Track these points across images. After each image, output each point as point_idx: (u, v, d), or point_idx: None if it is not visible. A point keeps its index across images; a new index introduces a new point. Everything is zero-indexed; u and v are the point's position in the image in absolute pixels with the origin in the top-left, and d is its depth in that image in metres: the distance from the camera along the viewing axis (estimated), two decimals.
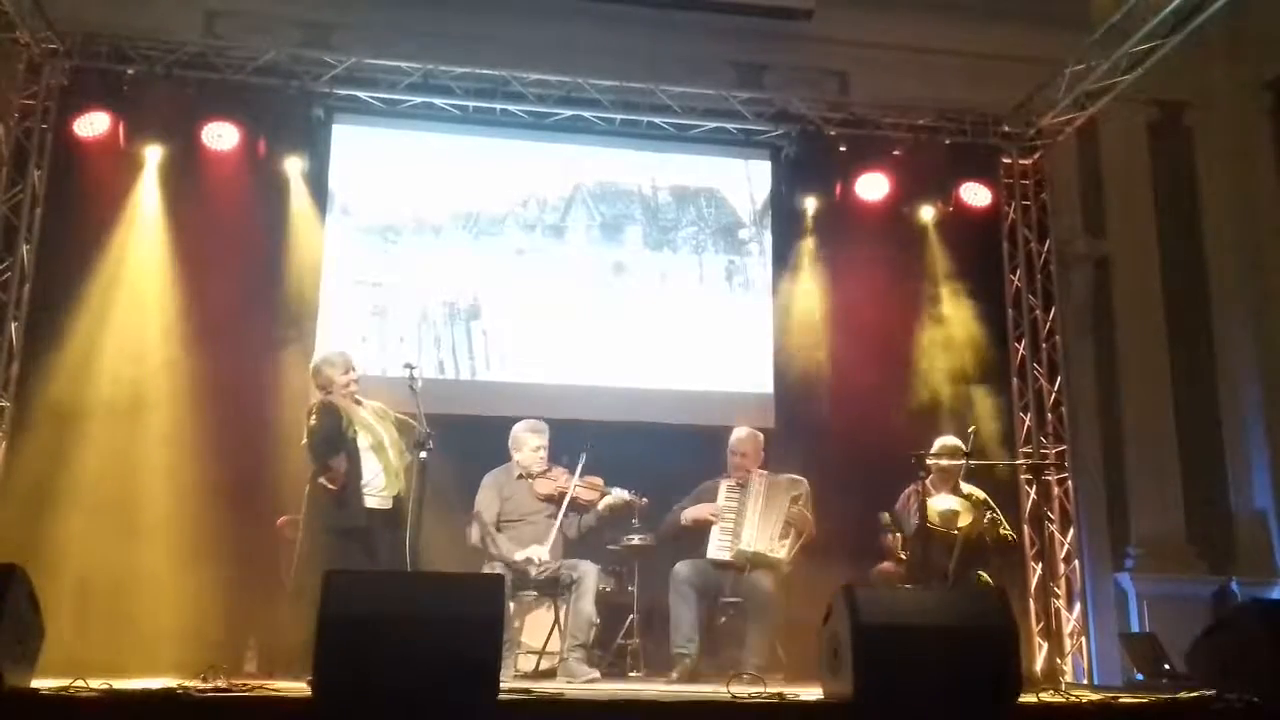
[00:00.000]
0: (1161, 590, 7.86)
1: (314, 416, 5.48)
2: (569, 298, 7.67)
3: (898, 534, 6.36)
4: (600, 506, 6.06)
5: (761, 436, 6.41)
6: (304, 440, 5.53)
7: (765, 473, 6.23)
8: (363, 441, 5.50)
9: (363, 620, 3.48)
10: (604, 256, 7.84)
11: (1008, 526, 6.45)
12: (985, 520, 6.20)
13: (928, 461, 6.10)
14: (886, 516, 6.40)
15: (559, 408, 6.81)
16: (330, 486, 5.43)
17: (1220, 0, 6.34)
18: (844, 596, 3.80)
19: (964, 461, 6.16)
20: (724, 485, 6.25)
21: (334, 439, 5.43)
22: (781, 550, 6.03)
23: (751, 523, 6.06)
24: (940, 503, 6.12)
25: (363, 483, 5.45)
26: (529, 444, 6.08)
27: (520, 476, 6.06)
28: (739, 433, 6.40)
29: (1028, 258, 8.09)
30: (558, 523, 5.94)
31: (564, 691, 4.61)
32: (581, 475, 6.01)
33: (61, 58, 7.06)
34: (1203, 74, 8.69)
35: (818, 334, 7.56)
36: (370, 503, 5.47)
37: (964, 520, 6.10)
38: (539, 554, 5.85)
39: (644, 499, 6.22)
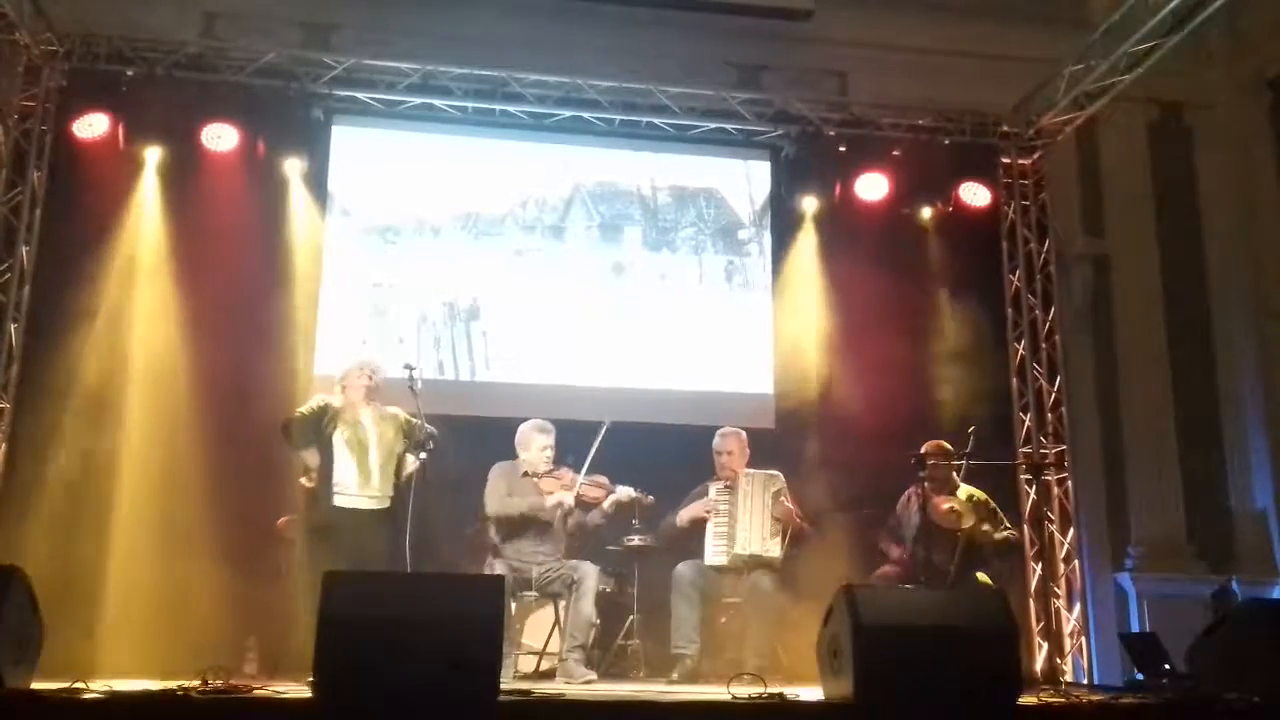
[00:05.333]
0: (1162, 590, 7.86)
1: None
2: (568, 298, 7.67)
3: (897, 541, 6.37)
4: (606, 504, 6.06)
5: (745, 434, 6.41)
6: None
7: (752, 472, 6.23)
8: (339, 438, 5.48)
9: (363, 621, 3.48)
10: (603, 257, 7.84)
11: (1009, 526, 6.46)
12: (984, 523, 6.20)
13: (928, 463, 6.11)
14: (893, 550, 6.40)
15: (559, 408, 6.79)
16: (307, 484, 5.45)
17: (1220, 0, 6.35)
18: (844, 597, 3.80)
19: (962, 462, 6.16)
20: (714, 488, 6.25)
21: (303, 431, 5.47)
22: (775, 548, 6.04)
23: (744, 524, 6.06)
24: (943, 503, 6.13)
25: (333, 481, 5.44)
26: (537, 443, 6.07)
27: (525, 474, 6.06)
28: (722, 433, 6.39)
29: (1027, 258, 8.09)
30: (570, 498, 5.95)
31: (564, 692, 4.62)
32: (587, 474, 6.00)
33: (61, 59, 7.06)
34: (1203, 74, 8.70)
35: (817, 334, 7.56)
36: (339, 501, 5.43)
37: (967, 520, 6.11)
38: (567, 499, 5.90)
39: (650, 498, 6.21)
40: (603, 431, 5.96)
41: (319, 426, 5.46)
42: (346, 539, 5.34)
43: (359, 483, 5.46)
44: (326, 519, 5.40)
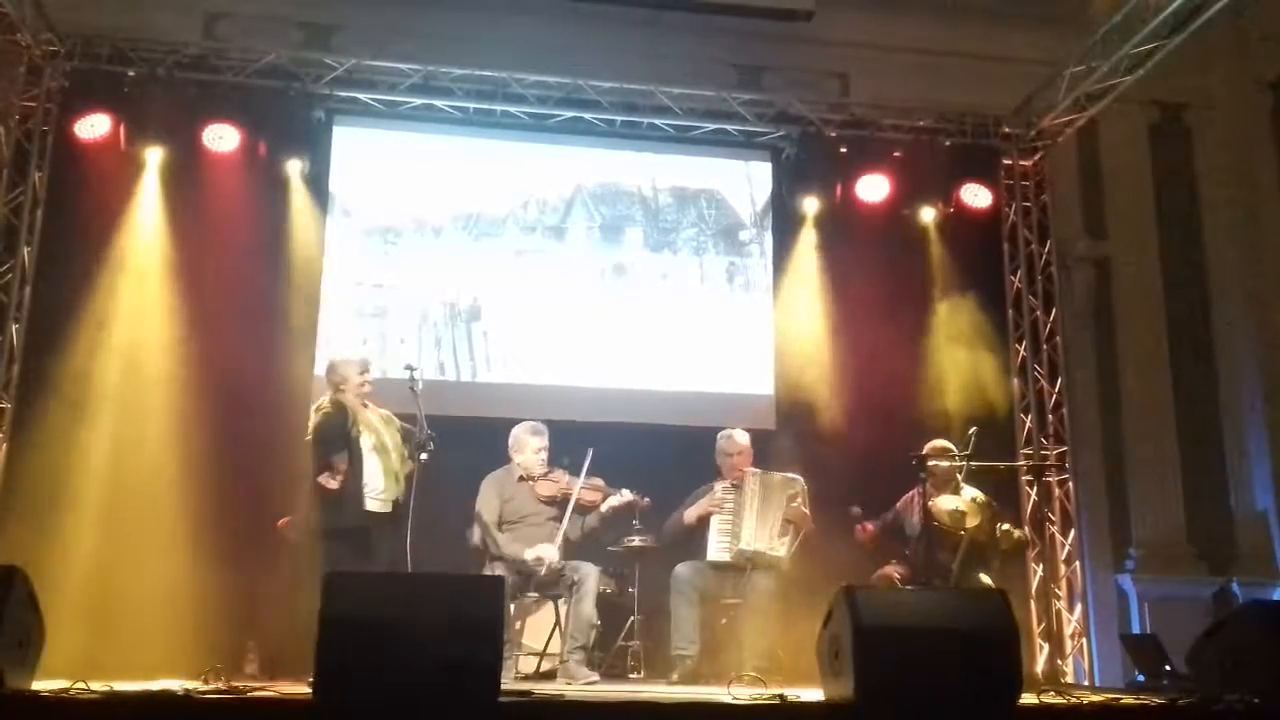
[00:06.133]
0: (1162, 591, 7.86)
1: (319, 413, 5.50)
2: (569, 299, 7.67)
3: (868, 526, 6.35)
4: (603, 508, 6.05)
5: (748, 436, 6.43)
6: (308, 436, 5.54)
7: (758, 471, 6.25)
8: (366, 442, 5.49)
9: (364, 622, 3.48)
10: (604, 258, 7.84)
11: (1016, 527, 6.46)
12: (992, 526, 6.21)
13: (929, 464, 6.11)
14: (856, 510, 6.37)
15: (559, 409, 6.81)
16: (330, 486, 5.39)
17: (1221, 1, 6.34)
18: (845, 598, 3.80)
19: (963, 463, 6.16)
20: (719, 487, 6.27)
21: (337, 436, 5.43)
22: (781, 548, 6.04)
23: (749, 523, 6.08)
24: (947, 503, 6.13)
25: (363, 484, 5.44)
26: (530, 446, 6.08)
27: (521, 479, 6.06)
28: (728, 434, 6.42)
29: (1028, 259, 8.09)
30: (564, 524, 5.92)
31: (564, 693, 4.62)
32: (585, 477, 6.00)
33: (62, 60, 7.07)
34: (1203, 75, 8.69)
35: (818, 335, 7.56)
36: (369, 505, 5.45)
37: (971, 520, 6.10)
38: (549, 554, 5.81)
39: (646, 500, 6.22)
40: (588, 460, 5.96)
41: (346, 430, 5.46)
42: (371, 541, 5.37)
43: (385, 486, 5.49)
44: (354, 522, 5.38)
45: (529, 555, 5.82)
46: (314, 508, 5.54)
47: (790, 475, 6.24)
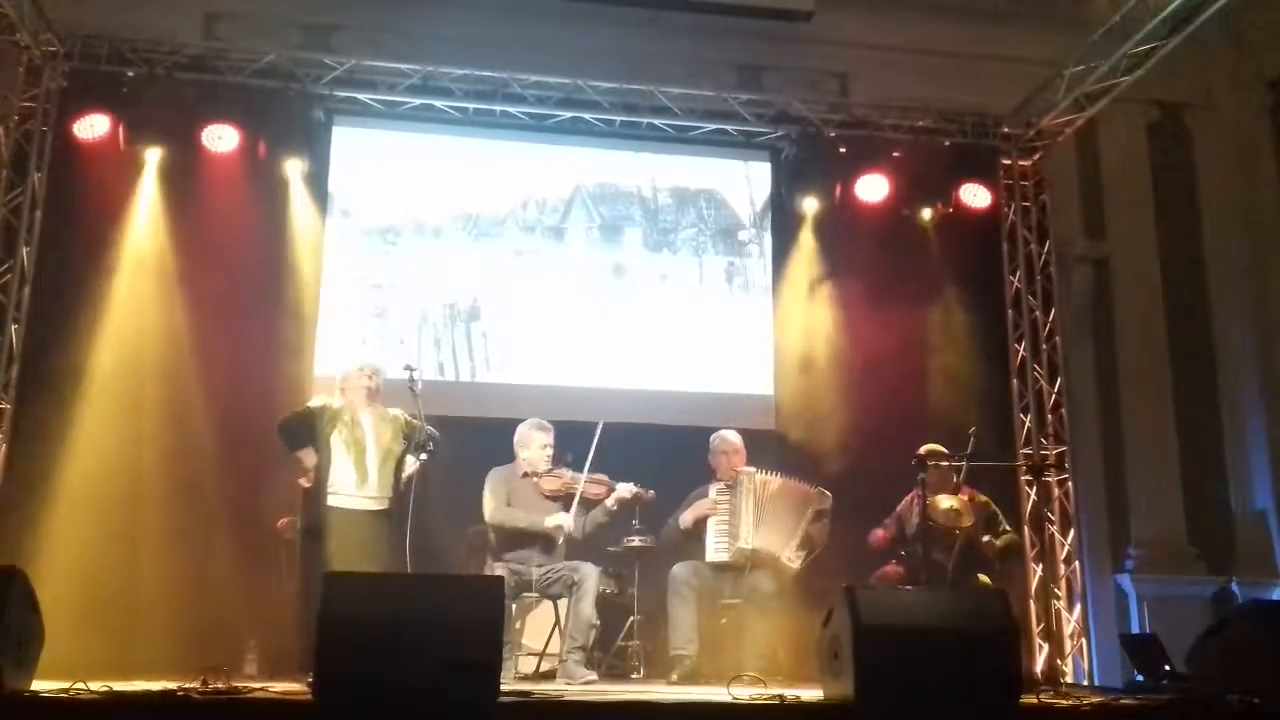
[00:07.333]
0: (1162, 591, 7.87)
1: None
2: (569, 299, 7.67)
3: (885, 536, 6.39)
4: (609, 501, 6.05)
5: (740, 436, 6.44)
6: None
7: (754, 470, 6.25)
8: (336, 438, 5.47)
9: (363, 622, 3.49)
10: (604, 258, 7.84)
11: (1009, 529, 6.46)
12: (985, 528, 6.21)
13: (928, 464, 6.11)
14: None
15: (559, 409, 6.79)
16: (305, 485, 5.50)
17: (1220, 1, 6.35)
18: (845, 598, 3.80)
19: (963, 463, 6.16)
20: (714, 489, 6.27)
21: (292, 431, 5.50)
22: (796, 560, 6.04)
23: (748, 520, 6.07)
24: (943, 502, 6.14)
25: (329, 482, 5.43)
26: (537, 442, 6.08)
27: (525, 475, 6.06)
28: (721, 434, 6.44)
29: (1027, 259, 8.09)
30: (575, 501, 5.92)
31: (564, 693, 4.62)
32: (589, 471, 6.00)
33: (62, 60, 7.06)
34: (1203, 74, 8.69)
35: (817, 335, 7.56)
36: (334, 501, 5.40)
37: (966, 520, 6.11)
38: (567, 521, 5.85)
39: (650, 493, 6.21)
40: (598, 432, 5.96)
41: (316, 426, 5.45)
42: (343, 540, 5.32)
43: (356, 483, 5.44)
44: (322, 520, 5.38)
45: (549, 523, 5.84)
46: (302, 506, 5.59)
47: (823, 490, 6.23)
